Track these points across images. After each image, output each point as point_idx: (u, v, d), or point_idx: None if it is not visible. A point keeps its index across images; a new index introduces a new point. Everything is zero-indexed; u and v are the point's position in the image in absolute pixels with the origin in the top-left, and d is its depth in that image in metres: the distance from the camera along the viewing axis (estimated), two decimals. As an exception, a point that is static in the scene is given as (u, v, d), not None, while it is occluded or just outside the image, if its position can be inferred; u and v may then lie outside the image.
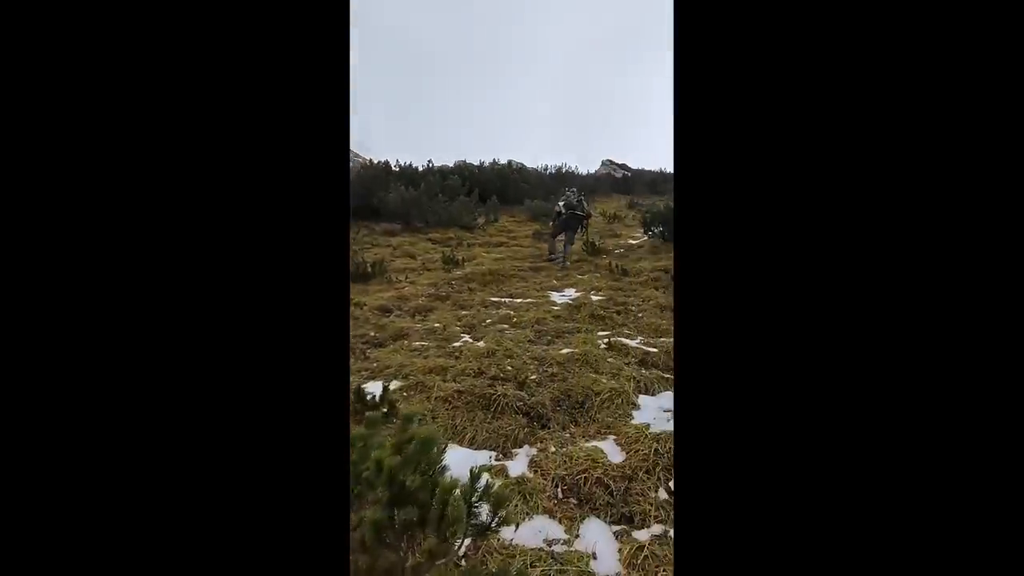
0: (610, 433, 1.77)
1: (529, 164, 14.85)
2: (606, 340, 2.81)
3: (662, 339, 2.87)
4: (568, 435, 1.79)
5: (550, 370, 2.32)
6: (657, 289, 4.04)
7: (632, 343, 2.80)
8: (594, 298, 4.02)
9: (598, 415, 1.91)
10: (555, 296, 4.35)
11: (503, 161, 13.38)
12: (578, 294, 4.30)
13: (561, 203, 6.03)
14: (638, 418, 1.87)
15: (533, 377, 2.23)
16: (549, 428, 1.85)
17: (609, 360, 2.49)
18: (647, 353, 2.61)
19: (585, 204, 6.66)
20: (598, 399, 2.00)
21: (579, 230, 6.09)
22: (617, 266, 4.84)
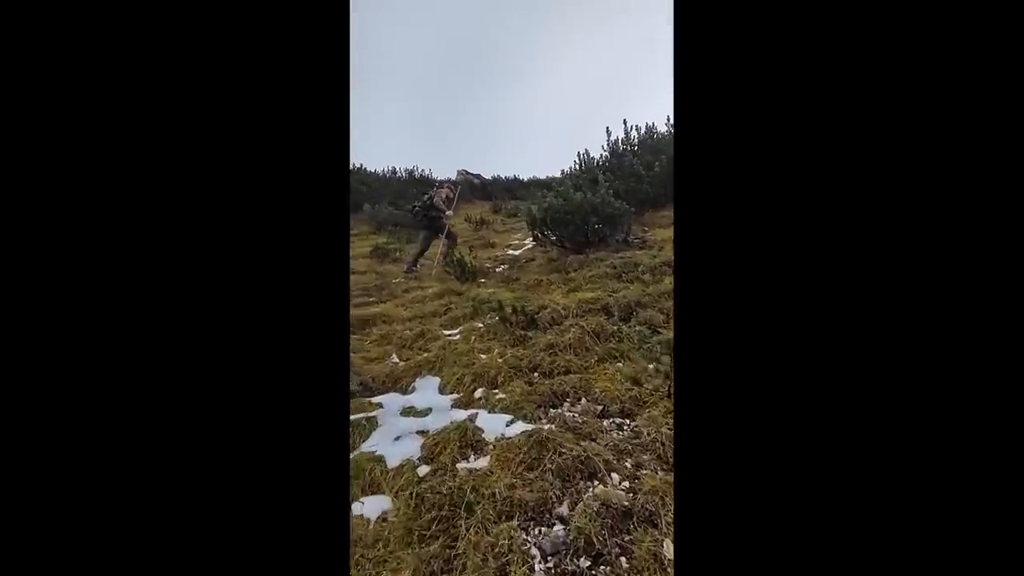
0: None
1: (377, 169, 11.61)
2: None
3: None
4: None
5: None
6: (624, 379, 1.63)
7: None
8: (479, 467, 1.41)
9: None
10: (383, 443, 1.60)
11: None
12: (438, 431, 1.63)
13: (417, 205, 4.46)
14: None
15: None
16: None
17: None
18: None
19: (438, 203, 4.29)
20: None
21: (439, 235, 4.42)
22: (519, 312, 2.31)
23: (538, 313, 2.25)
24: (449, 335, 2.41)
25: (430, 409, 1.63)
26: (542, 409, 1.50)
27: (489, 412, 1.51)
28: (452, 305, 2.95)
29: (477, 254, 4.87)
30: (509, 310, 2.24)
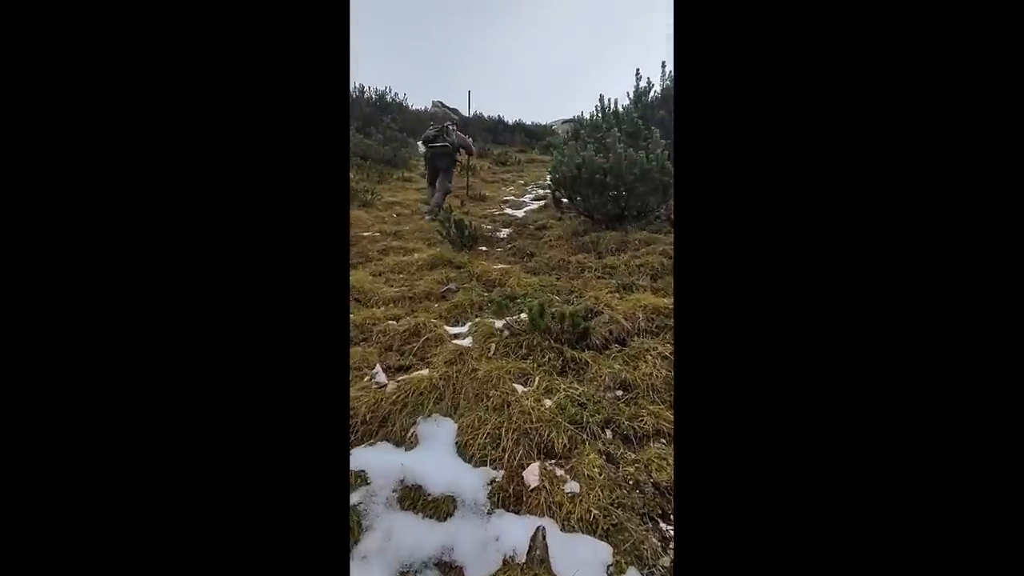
0: None
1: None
2: None
3: None
4: None
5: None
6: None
7: None
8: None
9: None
10: None
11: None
12: None
13: (420, 143, 3.92)
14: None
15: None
16: None
17: None
18: None
19: (452, 134, 3.56)
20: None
21: (451, 171, 3.83)
22: (565, 320, 1.63)
23: (588, 320, 1.60)
24: (456, 335, 1.70)
25: (453, 502, 0.97)
26: (648, 523, 0.91)
27: (563, 529, 0.89)
28: (452, 283, 2.21)
29: (469, 209, 4.01)
30: (550, 314, 1.56)
